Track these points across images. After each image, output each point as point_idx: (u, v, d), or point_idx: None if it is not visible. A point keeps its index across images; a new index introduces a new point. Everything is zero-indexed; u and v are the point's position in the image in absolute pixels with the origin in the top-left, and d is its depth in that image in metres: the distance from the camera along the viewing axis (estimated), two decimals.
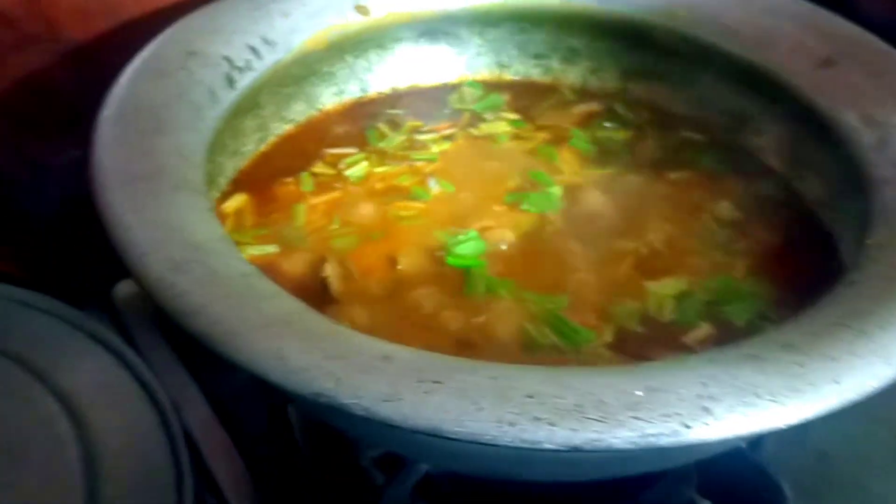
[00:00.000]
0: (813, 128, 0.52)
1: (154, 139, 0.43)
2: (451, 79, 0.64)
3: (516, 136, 0.59)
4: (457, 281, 0.47)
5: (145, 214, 0.38)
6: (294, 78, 0.57)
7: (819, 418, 0.32)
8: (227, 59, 0.51)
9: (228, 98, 0.49)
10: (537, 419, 0.30)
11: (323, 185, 0.54)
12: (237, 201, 0.52)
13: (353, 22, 0.58)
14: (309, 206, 0.52)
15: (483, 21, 0.62)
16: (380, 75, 0.62)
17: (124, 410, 0.42)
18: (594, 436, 0.30)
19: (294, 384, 0.31)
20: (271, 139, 0.57)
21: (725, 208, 0.52)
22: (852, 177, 0.47)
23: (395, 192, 0.53)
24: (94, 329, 0.45)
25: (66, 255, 0.61)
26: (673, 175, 0.56)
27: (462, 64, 0.64)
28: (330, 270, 0.46)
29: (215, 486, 0.48)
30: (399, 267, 0.48)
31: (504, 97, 0.62)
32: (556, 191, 0.53)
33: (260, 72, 0.52)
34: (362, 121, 0.59)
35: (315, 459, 0.51)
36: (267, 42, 0.53)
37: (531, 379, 0.31)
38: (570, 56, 0.63)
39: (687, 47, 0.58)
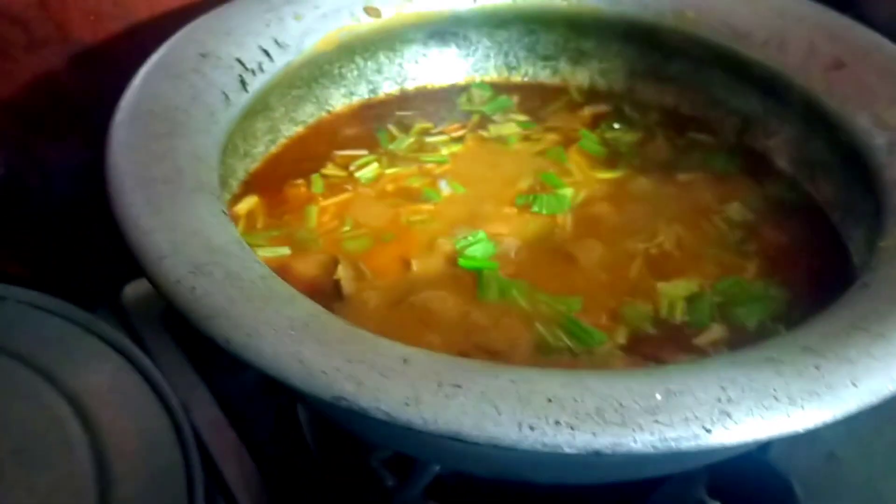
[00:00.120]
0: (823, 130, 0.52)
1: (169, 142, 0.43)
2: (460, 80, 0.64)
3: (526, 138, 0.59)
4: (469, 283, 0.47)
5: (164, 217, 0.38)
6: (304, 80, 0.57)
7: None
8: (240, 62, 0.51)
9: (241, 100, 0.49)
10: (557, 423, 0.30)
11: (334, 187, 0.54)
12: (249, 203, 0.52)
13: (363, 24, 0.58)
14: (320, 208, 0.52)
15: (492, 23, 0.62)
16: (389, 77, 0.62)
17: (134, 412, 0.42)
18: (614, 440, 0.30)
19: (314, 388, 0.31)
20: (281, 141, 0.57)
21: (736, 210, 0.53)
22: (863, 179, 0.48)
23: (405, 194, 0.53)
24: (103, 331, 0.45)
25: (74, 257, 0.61)
26: (682, 176, 0.56)
27: (470, 65, 0.64)
28: (342, 272, 0.47)
29: (225, 487, 0.48)
30: (412, 269, 0.48)
31: (513, 99, 0.63)
32: (567, 193, 0.53)
33: (271, 74, 0.52)
34: (372, 122, 0.60)
35: (324, 459, 0.51)
36: (279, 44, 0.53)
37: (551, 382, 0.31)
38: (579, 57, 0.63)
39: (696, 49, 0.59)
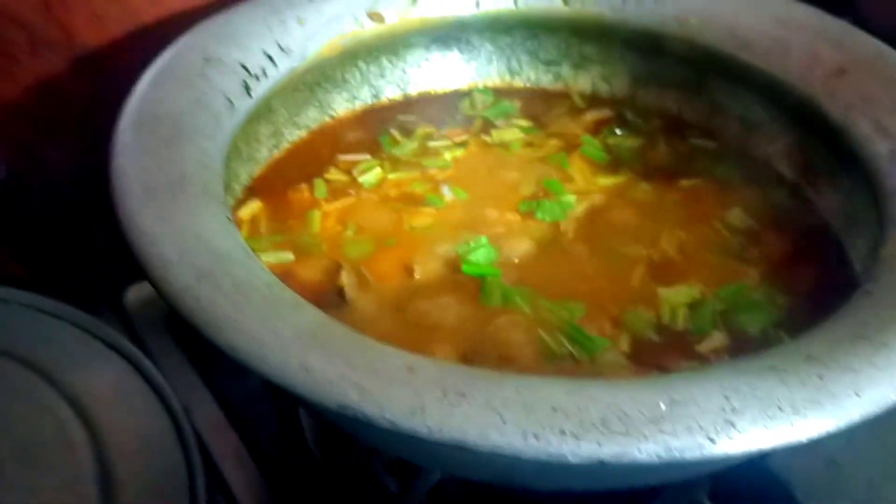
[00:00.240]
0: (825, 137, 0.52)
1: (174, 147, 0.43)
2: (462, 85, 0.64)
3: (528, 144, 0.59)
4: (472, 289, 0.47)
5: (169, 224, 0.38)
6: (307, 84, 0.57)
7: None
8: (244, 66, 0.51)
9: (245, 105, 0.49)
10: (562, 433, 0.30)
11: (337, 192, 0.54)
12: (252, 208, 0.52)
13: (367, 29, 0.58)
14: (323, 213, 0.52)
15: (494, 28, 0.62)
16: (392, 81, 0.62)
17: (136, 414, 0.43)
18: (619, 450, 0.30)
19: (320, 396, 0.31)
20: (285, 145, 0.57)
21: (737, 216, 0.53)
22: (865, 186, 0.48)
23: (408, 199, 0.53)
24: (105, 333, 0.45)
25: (75, 259, 0.61)
26: (685, 182, 0.56)
27: (473, 70, 0.64)
28: (346, 279, 0.47)
29: (226, 489, 0.48)
30: (415, 275, 0.48)
31: (515, 104, 0.63)
32: (570, 199, 0.53)
33: (275, 79, 0.52)
34: (374, 127, 0.60)
35: (326, 462, 0.51)
36: (283, 49, 0.53)
37: (555, 391, 0.31)
38: (581, 63, 0.63)
39: (698, 55, 0.59)
